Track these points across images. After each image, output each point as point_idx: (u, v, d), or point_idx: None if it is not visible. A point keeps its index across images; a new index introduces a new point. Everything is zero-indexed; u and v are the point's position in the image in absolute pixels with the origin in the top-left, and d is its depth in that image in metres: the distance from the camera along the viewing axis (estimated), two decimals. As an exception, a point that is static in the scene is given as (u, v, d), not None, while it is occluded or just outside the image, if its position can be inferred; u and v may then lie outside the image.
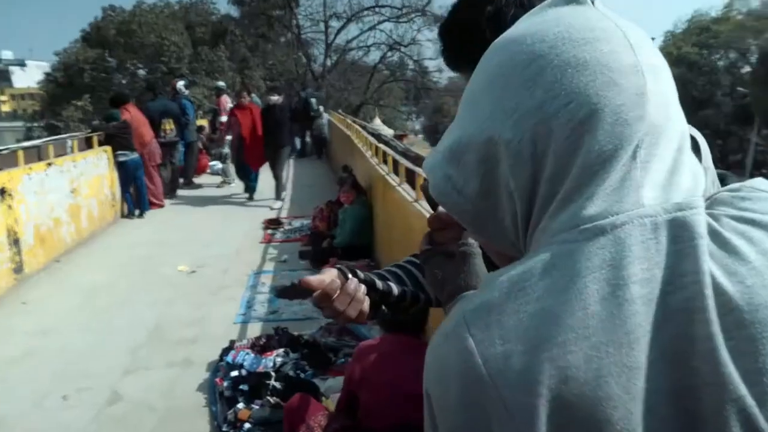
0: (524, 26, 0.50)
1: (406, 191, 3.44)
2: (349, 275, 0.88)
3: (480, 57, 0.82)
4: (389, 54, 24.55)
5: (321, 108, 12.49)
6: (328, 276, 0.86)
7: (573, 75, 0.44)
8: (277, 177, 7.49)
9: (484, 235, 0.52)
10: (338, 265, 0.90)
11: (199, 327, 3.71)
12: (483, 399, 0.41)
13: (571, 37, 0.45)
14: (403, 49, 23.44)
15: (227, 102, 9.80)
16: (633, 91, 0.44)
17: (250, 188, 7.87)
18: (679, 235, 0.42)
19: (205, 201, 7.89)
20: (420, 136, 41.75)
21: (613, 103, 0.43)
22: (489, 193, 0.49)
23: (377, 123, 16.17)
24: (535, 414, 0.39)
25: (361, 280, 0.89)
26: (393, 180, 3.88)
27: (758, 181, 0.50)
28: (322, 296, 0.82)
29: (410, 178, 3.63)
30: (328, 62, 23.39)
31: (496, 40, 0.53)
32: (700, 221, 0.43)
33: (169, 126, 7.67)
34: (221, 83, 10.37)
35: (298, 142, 12.86)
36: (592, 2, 0.49)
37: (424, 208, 2.95)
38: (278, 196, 7.54)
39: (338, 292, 0.83)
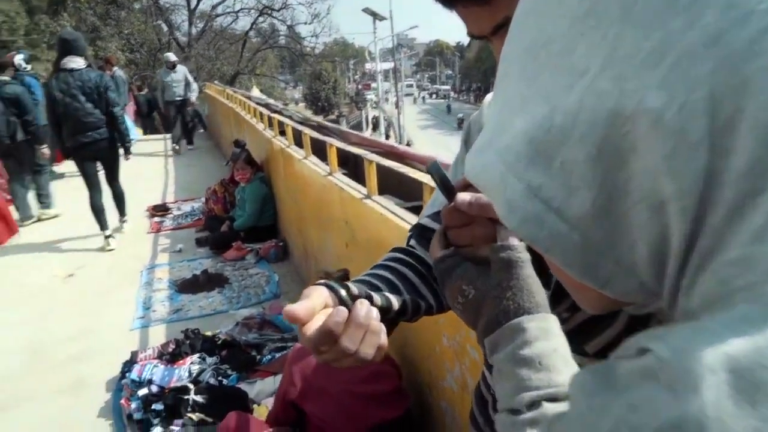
0: None
1: (315, 164, 3.15)
2: (343, 292, 0.63)
3: None
4: (260, 20, 23.30)
5: (191, 87, 9.08)
6: (318, 298, 0.60)
7: None
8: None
9: (597, 279, 0.32)
10: (326, 281, 0.65)
11: (89, 340, 3.19)
12: None
13: None
14: (275, 14, 22.32)
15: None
16: None
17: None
18: None
19: (75, 191, 6.89)
20: (301, 104, 40.74)
21: None
22: (610, 209, 0.30)
23: (256, 93, 15.40)
24: None
25: (356, 296, 0.65)
26: (296, 153, 3.56)
27: None
28: (323, 335, 0.56)
29: (318, 148, 3.34)
30: (194, 30, 21.65)
31: None
32: None
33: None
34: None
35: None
36: None
37: (341, 181, 2.70)
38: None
39: (344, 324, 0.57)
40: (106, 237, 4.73)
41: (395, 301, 0.69)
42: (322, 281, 0.65)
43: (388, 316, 0.69)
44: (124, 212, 5.10)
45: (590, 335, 0.62)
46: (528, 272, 0.53)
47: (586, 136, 0.28)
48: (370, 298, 0.65)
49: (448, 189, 0.58)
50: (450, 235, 0.60)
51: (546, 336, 0.49)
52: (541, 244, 0.33)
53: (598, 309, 0.41)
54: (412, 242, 0.84)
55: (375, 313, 0.61)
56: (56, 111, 4.32)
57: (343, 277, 1.92)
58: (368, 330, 0.59)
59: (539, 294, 0.52)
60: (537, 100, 0.31)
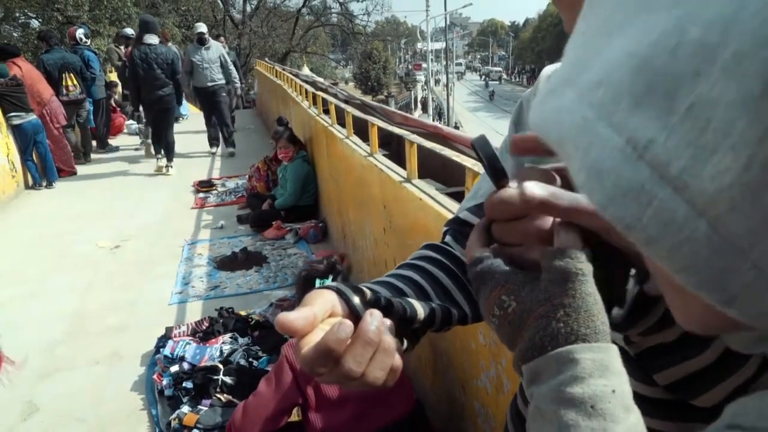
0: None
1: (357, 144, 3.05)
2: (356, 300, 0.52)
3: None
4: (312, -4, 23.27)
5: (231, 74, 7.09)
6: (321, 305, 0.49)
7: None
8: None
9: (723, 292, 0.22)
10: (337, 284, 0.54)
11: (128, 312, 3.23)
12: None
13: None
14: (327, -10, 22.25)
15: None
16: None
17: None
18: None
19: (124, 165, 7.11)
20: (351, 84, 40.73)
21: None
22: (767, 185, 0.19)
23: (305, 71, 15.38)
24: None
25: (373, 303, 0.53)
26: (339, 132, 3.46)
27: None
28: (321, 354, 0.46)
29: (361, 128, 3.23)
30: (248, 8, 21.85)
31: None
32: None
33: (71, 81, 6.73)
34: (129, 30, 9.09)
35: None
36: None
37: (381, 162, 2.58)
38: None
39: (349, 340, 0.46)
40: (166, 166, 6.38)
41: (421, 310, 0.57)
42: (333, 284, 0.54)
43: (411, 326, 0.58)
44: (172, 159, 6.46)
45: (666, 363, 0.48)
46: (588, 289, 0.41)
47: (743, 59, 0.18)
48: (389, 306, 0.54)
49: (496, 172, 0.45)
50: (494, 230, 0.47)
51: (603, 372, 0.37)
52: (642, 233, 0.22)
53: (698, 327, 0.30)
54: (448, 239, 0.72)
55: (388, 325, 0.49)
56: (137, 74, 5.90)
57: (331, 266, 1.77)
58: (379, 348, 0.48)
59: (599, 317, 0.40)
60: (657, 4, 0.20)
